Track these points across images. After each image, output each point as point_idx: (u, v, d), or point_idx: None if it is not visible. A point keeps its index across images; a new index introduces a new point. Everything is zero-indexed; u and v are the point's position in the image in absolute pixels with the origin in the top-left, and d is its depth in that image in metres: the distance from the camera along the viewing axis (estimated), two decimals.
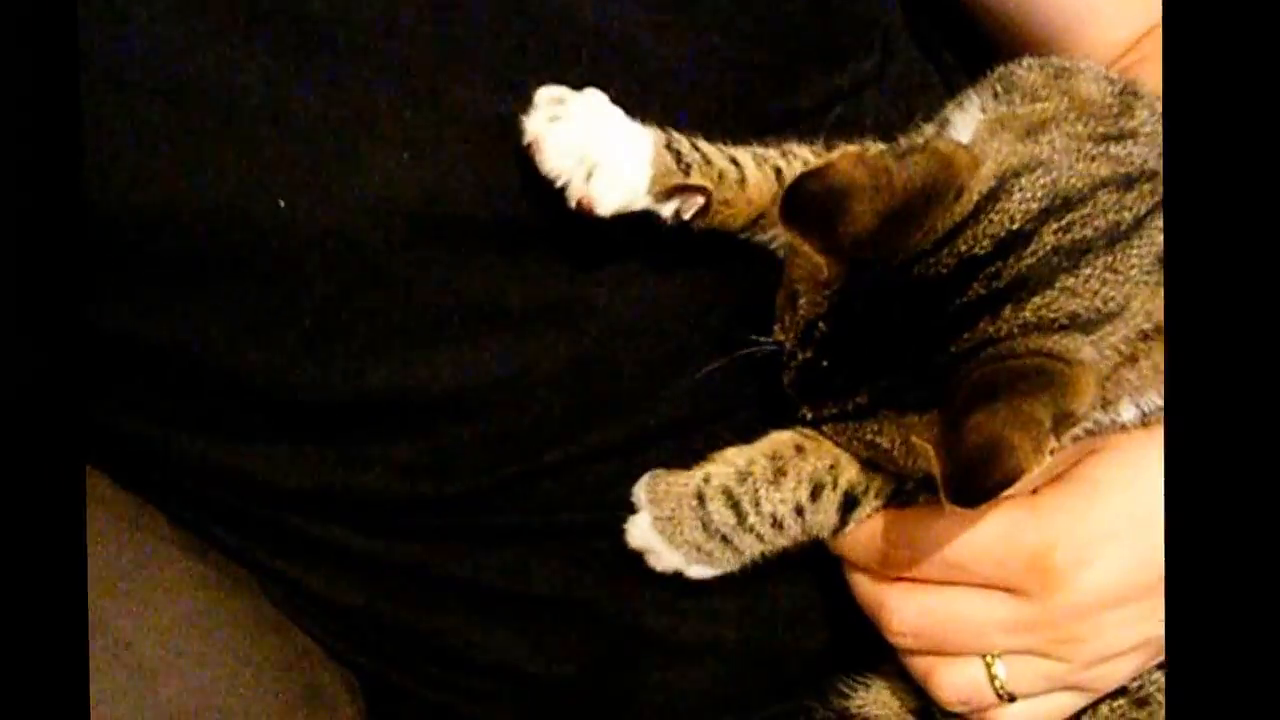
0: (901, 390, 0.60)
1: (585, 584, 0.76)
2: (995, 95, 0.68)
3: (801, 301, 0.63)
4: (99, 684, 0.68)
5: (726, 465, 0.68)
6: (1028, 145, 0.62)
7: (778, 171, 0.69)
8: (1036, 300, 0.59)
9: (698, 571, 0.70)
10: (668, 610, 0.76)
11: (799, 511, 0.67)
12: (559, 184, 0.65)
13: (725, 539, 0.68)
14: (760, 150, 0.70)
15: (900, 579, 0.67)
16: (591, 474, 0.74)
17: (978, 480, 0.56)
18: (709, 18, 0.69)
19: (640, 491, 0.69)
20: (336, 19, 0.66)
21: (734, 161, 0.68)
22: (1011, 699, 0.66)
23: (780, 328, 0.65)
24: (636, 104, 0.69)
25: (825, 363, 0.62)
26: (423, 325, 0.70)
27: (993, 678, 0.66)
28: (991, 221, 0.60)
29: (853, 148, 0.67)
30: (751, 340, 0.67)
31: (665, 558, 0.70)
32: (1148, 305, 0.60)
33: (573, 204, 0.65)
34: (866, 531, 0.68)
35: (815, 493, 0.66)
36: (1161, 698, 0.69)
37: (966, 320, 0.59)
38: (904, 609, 0.67)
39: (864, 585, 0.69)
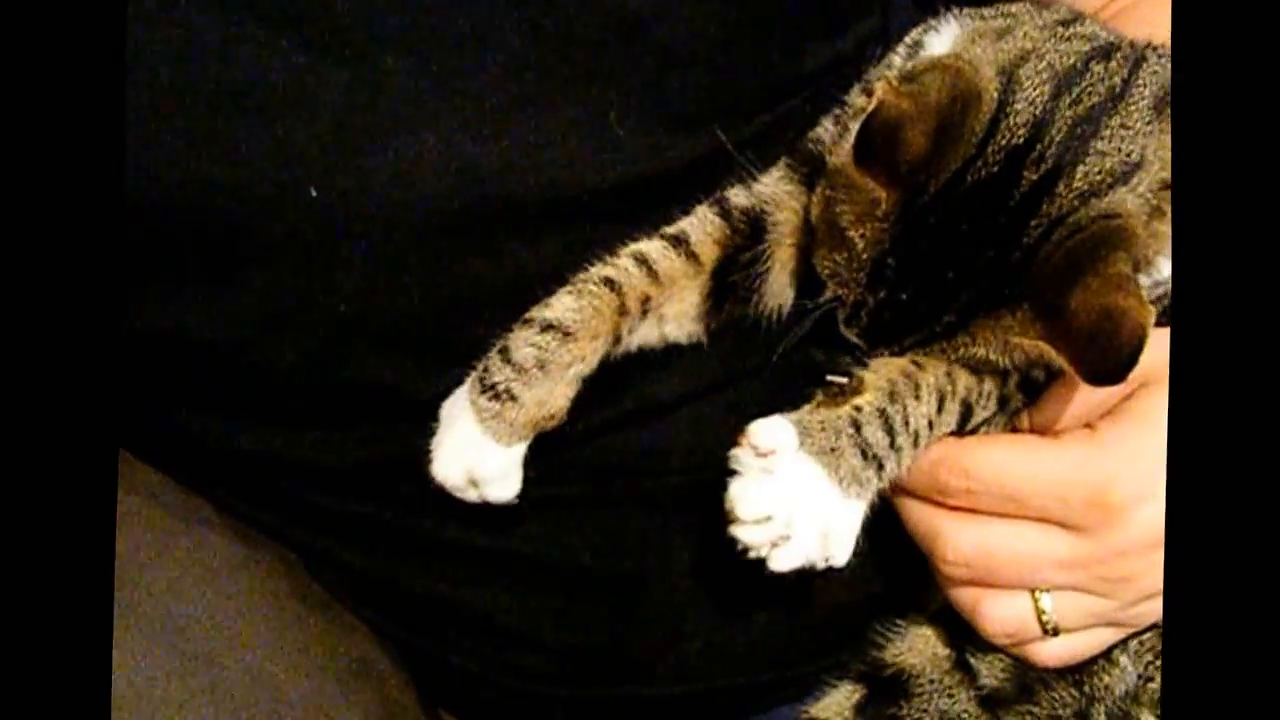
0: (988, 295, 0.63)
1: (623, 554, 0.77)
2: (970, 16, 0.72)
3: (859, 248, 0.65)
4: (154, 668, 0.69)
5: (873, 390, 0.67)
6: (1008, 42, 0.67)
7: (609, 283, 0.70)
8: (1080, 170, 0.63)
9: (853, 508, 0.67)
10: (701, 575, 0.78)
11: (930, 425, 0.68)
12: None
13: (880, 463, 0.67)
14: (583, 282, 0.70)
15: (956, 509, 0.68)
16: (621, 441, 0.75)
17: (1111, 353, 0.59)
18: None
19: (779, 433, 0.66)
20: (359, 6, 0.67)
21: (547, 328, 0.69)
22: (1055, 633, 0.68)
23: (837, 284, 0.66)
24: (648, 70, 0.70)
25: (904, 295, 0.64)
26: (453, 307, 0.71)
27: (1040, 612, 0.67)
28: (1017, 112, 0.64)
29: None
30: (803, 306, 0.69)
31: (823, 493, 0.66)
32: (1160, 153, 0.65)
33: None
34: (925, 458, 0.68)
35: (941, 403, 0.67)
36: None
37: (1029, 208, 0.63)
38: (960, 539, 0.67)
39: (918, 513, 0.69)
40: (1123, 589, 0.67)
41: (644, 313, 0.71)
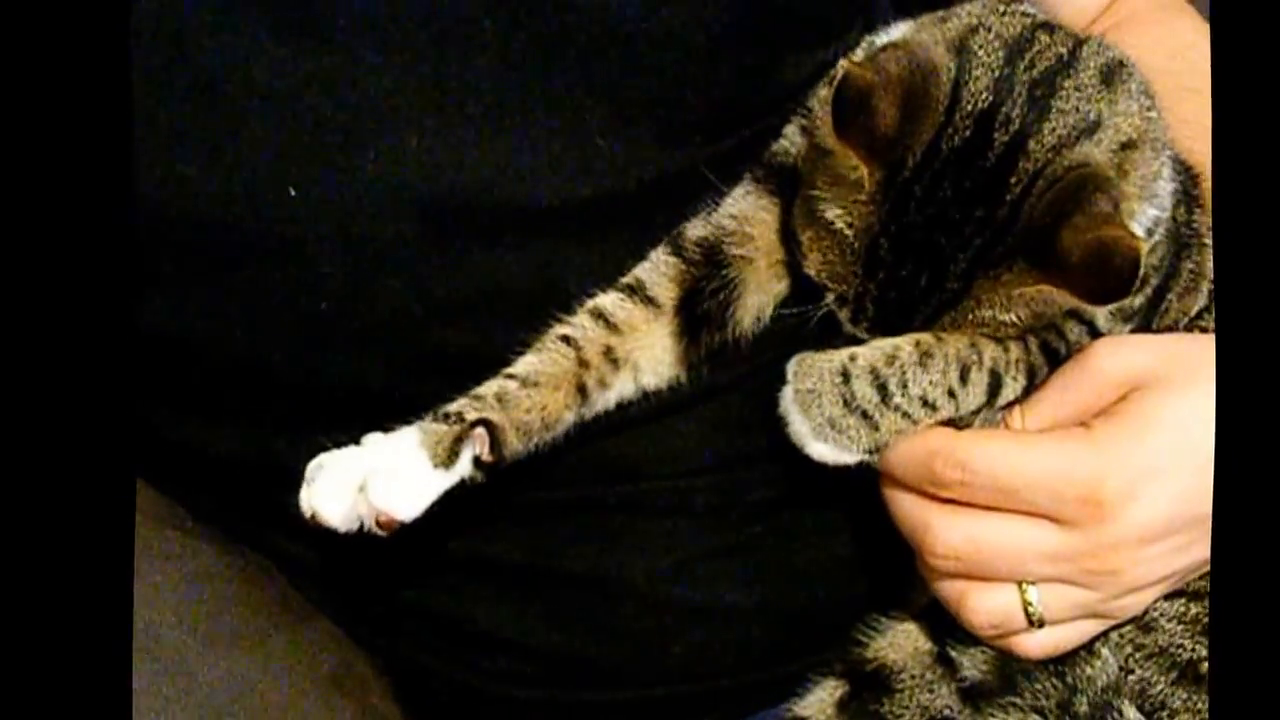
0: (983, 254, 0.65)
1: (607, 558, 0.77)
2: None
3: (849, 237, 0.66)
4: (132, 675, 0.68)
5: (873, 349, 0.68)
6: (952, 21, 0.69)
7: (566, 339, 0.71)
8: (1047, 127, 0.65)
9: (819, 450, 0.69)
10: (688, 578, 0.78)
11: (951, 394, 0.68)
12: (356, 528, 0.67)
13: (866, 416, 0.68)
14: (542, 341, 0.71)
15: (947, 501, 0.68)
16: (601, 449, 0.75)
17: (1110, 276, 0.61)
18: None
19: (789, 366, 0.69)
20: (340, 5, 0.67)
21: (510, 376, 0.70)
22: (1040, 625, 0.68)
23: (834, 281, 0.67)
24: (631, 81, 0.70)
25: (903, 272, 0.66)
26: (435, 311, 0.71)
27: (1026, 604, 0.67)
28: (976, 78, 0.66)
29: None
30: (794, 313, 0.70)
31: (797, 429, 0.69)
32: (1115, 119, 0.67)
33: (380, 531, 0.67)
34: (917, 449, 0.68)
35: (964, 374, 0.68)
36: (1165, 624, 0.71)
37: (1007, 167, 0.65)
38: (949, 532, 0.67)
39: (907, 505, 0.69)
40: (1108, 582, 0.67)
41: (613, 364, 0.72)
